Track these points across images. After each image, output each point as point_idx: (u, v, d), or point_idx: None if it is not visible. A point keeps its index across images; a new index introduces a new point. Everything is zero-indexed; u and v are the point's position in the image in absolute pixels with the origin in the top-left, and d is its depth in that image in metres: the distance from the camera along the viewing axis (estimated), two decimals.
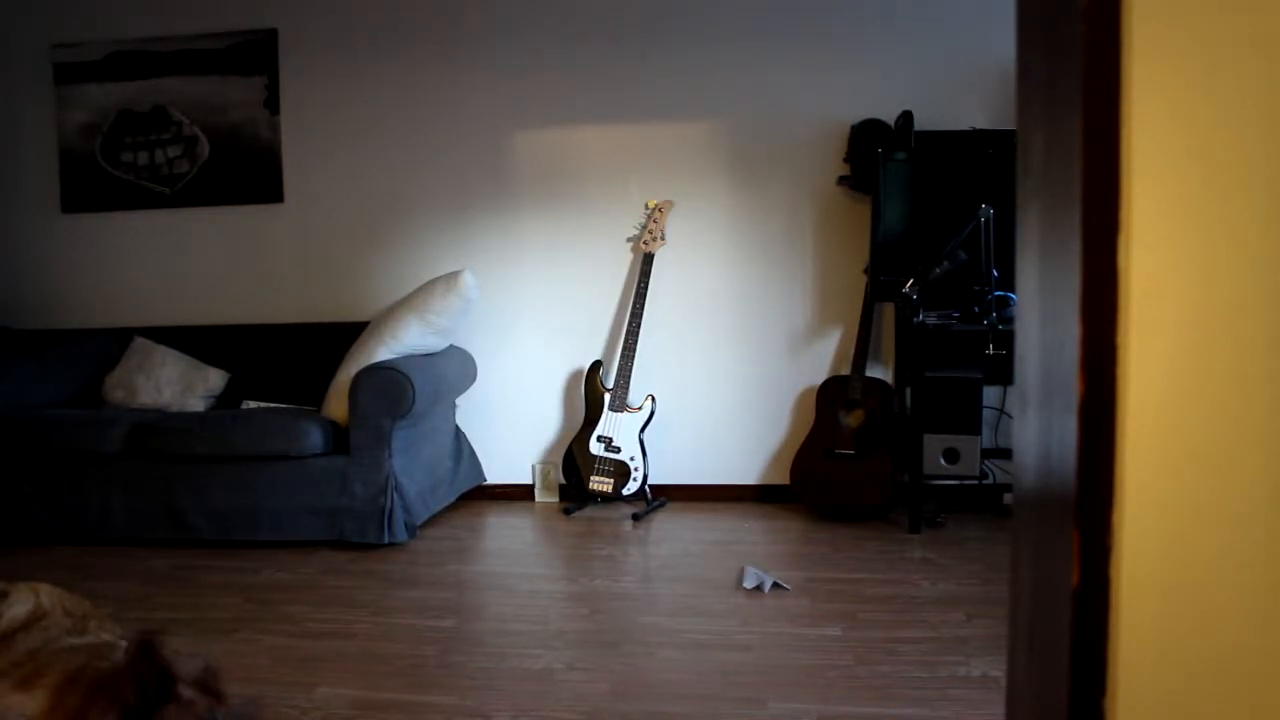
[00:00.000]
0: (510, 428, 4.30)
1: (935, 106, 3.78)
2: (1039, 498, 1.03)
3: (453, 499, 4.01)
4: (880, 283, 3.74)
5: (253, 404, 4.04)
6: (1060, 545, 0.90)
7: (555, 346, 4.27)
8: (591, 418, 3.98)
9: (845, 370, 3.97)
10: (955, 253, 3.43)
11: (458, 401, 4.19)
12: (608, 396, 3.97)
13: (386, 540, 3.43)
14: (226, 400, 4.10)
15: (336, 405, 3.57)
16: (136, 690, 1.56)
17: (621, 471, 3.90)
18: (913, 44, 3.93)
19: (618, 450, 3.92)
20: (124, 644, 1.76)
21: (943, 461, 3.61)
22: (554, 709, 2.14)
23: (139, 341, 4.21)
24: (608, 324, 4.23)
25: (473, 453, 4.21)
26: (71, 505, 3.59)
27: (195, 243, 4.50)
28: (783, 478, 4.06)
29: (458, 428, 4.18)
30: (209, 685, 1.70)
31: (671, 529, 3.76)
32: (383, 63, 4.29)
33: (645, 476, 3.91)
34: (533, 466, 4.31)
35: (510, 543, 3.84)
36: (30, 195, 4.58)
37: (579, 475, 3.95)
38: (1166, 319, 0.83)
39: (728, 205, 4.15)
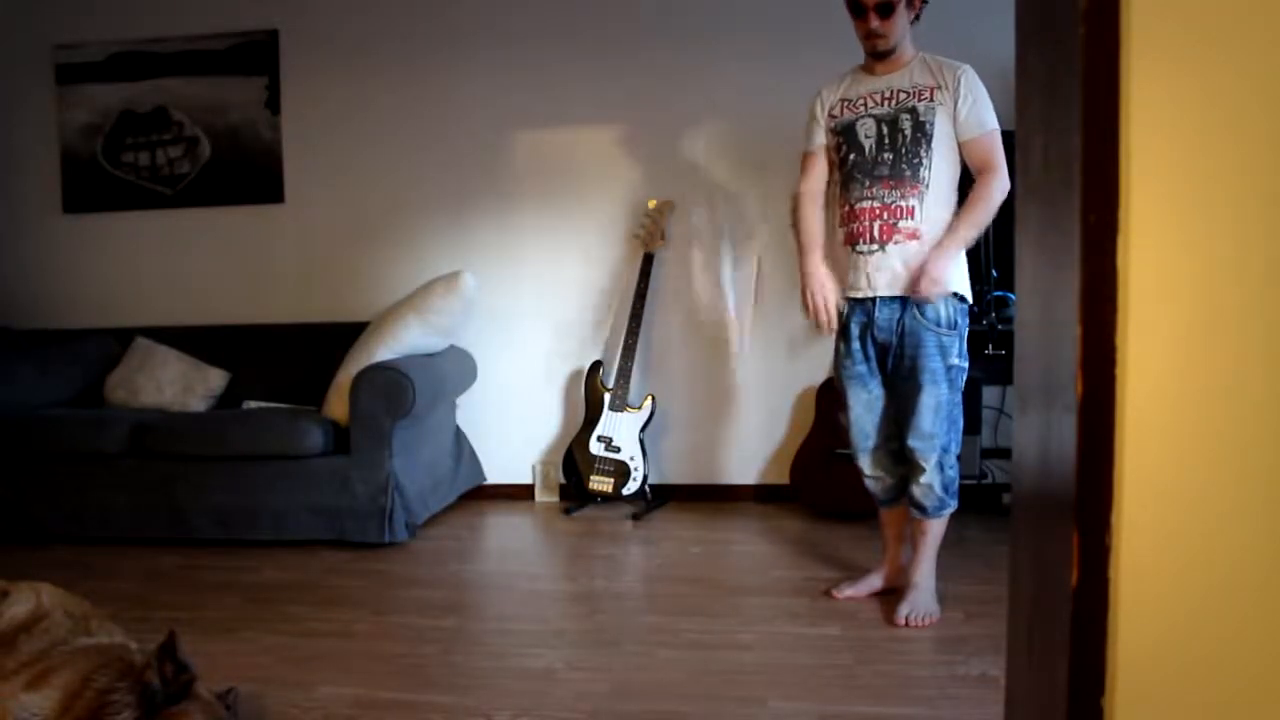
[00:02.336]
0: (510, 428, 4.30)
1: None
2: (1039, 498, 1.03)
3: (453, 499, 4.01)
4: None
5: (253, 404, 4.04)
6: (1060, 545, 0.90)
7: (555, 346, 4.27)
8: (591, 418, 3.98)
9: None
10: None
11: (458, 401, 4.19)
12: (608, 396, 3.97)
13: (386, 540, 3.43)
14: (227, 400, 4.10)
15: (337, 405, 3.57)
16: (160, 681, 1.57)
17: (621, 471, 3.90)
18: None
19: (618, 450, 3.92)
20: (134, 644, 1.77)
21: None
22: (554, 709, 2.14)
23: (140, 341, 4.21)
24: (608, 324, 4.23)
25: (473, 453, 4.22)
26: (72, 505, 3.59)
27: (196, 243, 4.50)
28: (783, 478, 4.06)
29: (458, 428, 4.18)
30: (226, 699, 1.71)
31: (671, 529, 3.76)
32: (383, 63, 4.29)
33: (645, 476, 3.91)
34: (533, 466, 4.31)
35: (510, 543, 3.84)
36: (32, 195, 4.58)
37: (579, 475, 3.95)
38: (1166, 319, 0.83)
39: (728, 205, 4.15)
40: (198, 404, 4.03)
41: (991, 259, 3.42)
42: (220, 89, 4.40)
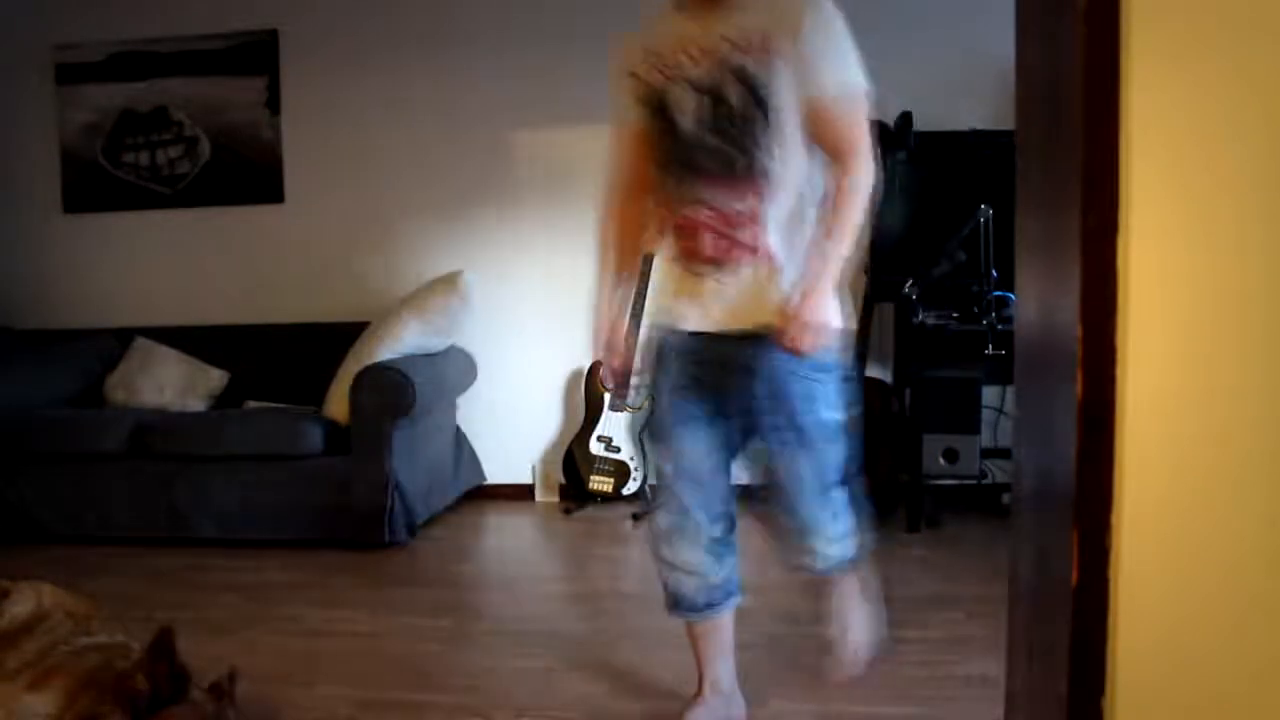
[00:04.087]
0: (510, 428, 4.30)
1: (935, 106, 3.77)
2: (1039, 498, 1.04)
3: (453, 499, 4.01)
4: (880, 283, 3.73)
5: (253, 404, 4.04)
6: (1060, 545, 0.90)
7: (555, 346, 4.27)
8: (591, 417, 3.98)
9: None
10: (955, 253, 3.43)
11: (458, 401, 4.19)
12: (608, 396, 3.97)
13: (386, 540, 3.43)
14: (227, 400, 4.10)
15: (337, 405, 3.57)
16: (150, 685, 1.56)
17: (621, 471, 3.90)
18: (913, 44, 3.93)
19: (618, 450, 3.92)
20: (136, 645, 1.77)
21: (942, 461, 3.61)
22: (554, 709, 2.14)
23: (140, 341, 4.21)
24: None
25: (473, 453, 4.21)
26: (72, 505, 3.59)
27: (196, 243, 4.50)
28: None
29: (458, 428, 4.18)
30: (223, 689, 1.71)
31: None
32: (383, 63, 4.29)
33: (645, 476, 3.91)
34: (533, 466, 4.30)
35: (510, 543, 3.84)
36: (32, 195, 4.58)
37: (579, 475, 3.95)
38: (1166, 319, 0.83)
39: None
40: (198, 404, 4.03)
41: (991, 259, 3.42)
42: (220, 89, 4.40)
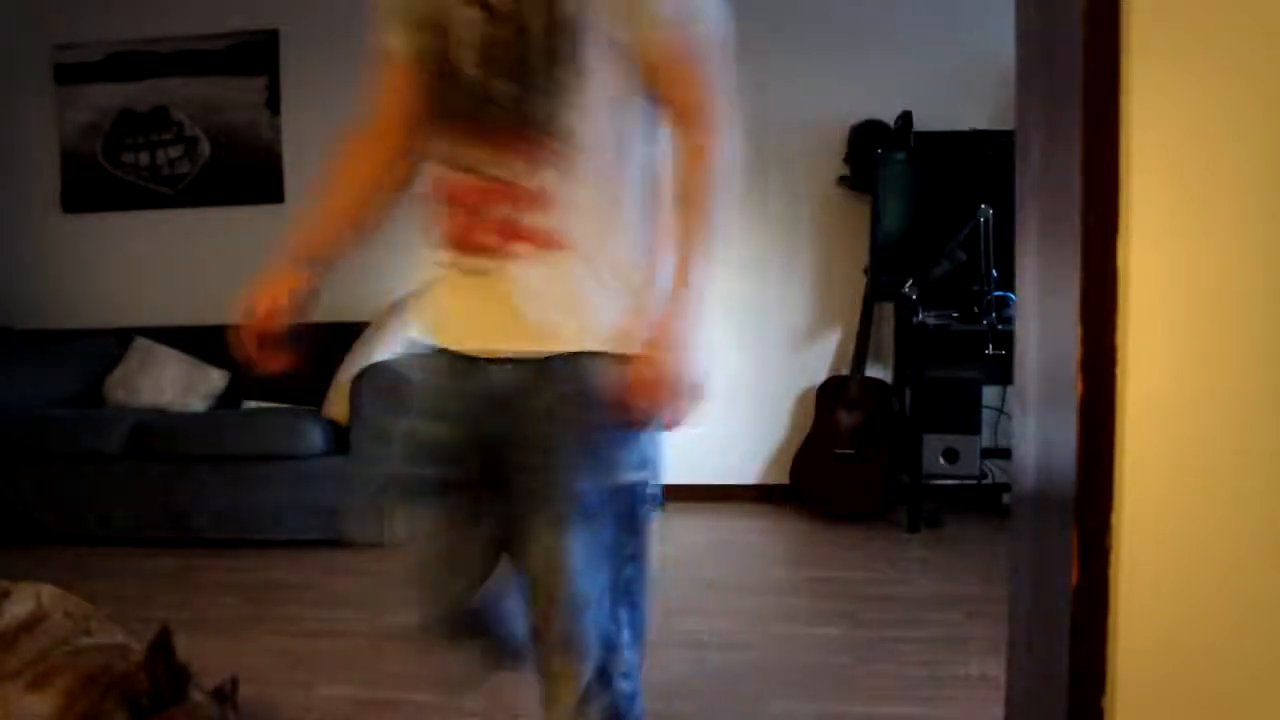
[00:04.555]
0: None
1: (935, 106, 3.78)
2: (1039, 498, 1.04)
3: None
4: (880, 283, 3.74)
5: (253, 404, 4.03)
6: (1060, 545, 0.90)
7: None
8: None
9: (845, 370, 3.97)
10: (955, 253, 3.43)
11: None
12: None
13: (386, 540, 3.42)
14: (227, 400, 4.10)
15: (337, 405, 3.57)
16: (150, 685, 1.57)
17: None
18: (913, 44, 3.93)
19: None
20: (136, 645, 1.77)
21: (942, 461, 3.61)
22: None
23: (140, 341, 4.21)
24: None
25: None
26: (71, 505, 3.59)
27: (196, 243, 4.50)
28: (783, 478, 4.06)
29: None
30: (225, 693, 1.71)
31: (672, 529, 3.76)
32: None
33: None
34: None
35: None
36: (32, 195, 4.58)
37: None
38: (1166, 319, 0.83)
39: None
40: (198, 404, 4.03)
41: (991, 259, 3.42)
42: (220, 89, 4.39)
